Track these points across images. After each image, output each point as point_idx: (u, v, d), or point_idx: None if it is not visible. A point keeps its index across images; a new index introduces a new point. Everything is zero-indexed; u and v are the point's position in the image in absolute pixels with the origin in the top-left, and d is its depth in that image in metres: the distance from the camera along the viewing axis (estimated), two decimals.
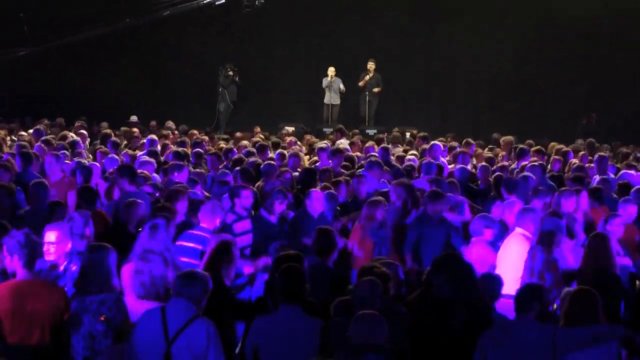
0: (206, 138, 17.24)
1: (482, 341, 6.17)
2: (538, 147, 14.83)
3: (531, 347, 6.06)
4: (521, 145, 14.86)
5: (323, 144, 15.23)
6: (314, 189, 9.99)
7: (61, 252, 7.11)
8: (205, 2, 23.33)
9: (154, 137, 15.73)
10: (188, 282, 5.96)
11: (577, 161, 14.08)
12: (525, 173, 11.48)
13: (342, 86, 21.93)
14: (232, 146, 15.35)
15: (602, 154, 14.18)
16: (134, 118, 21.01)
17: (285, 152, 14.12)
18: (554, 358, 6.03)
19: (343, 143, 16.32)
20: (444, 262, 6.76)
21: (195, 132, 18.53)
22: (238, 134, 18.89)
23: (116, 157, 12.85)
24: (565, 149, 15.58)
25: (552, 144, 17.24)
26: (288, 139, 17.39)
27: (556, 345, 6.06)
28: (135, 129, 18.15)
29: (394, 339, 5.94)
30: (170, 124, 19.61)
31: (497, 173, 12.03)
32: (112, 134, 16.50)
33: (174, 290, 6.03)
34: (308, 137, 18.35)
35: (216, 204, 8.94)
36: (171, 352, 5.80)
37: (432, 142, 14.58)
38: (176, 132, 18.98)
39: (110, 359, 6.04)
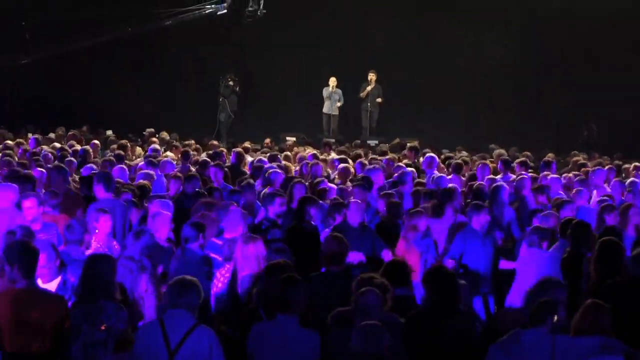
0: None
1: (492, 349, 6.20)
2: (523, 159, 14.85)
3: (536, 353, 6.06)
4: (505, 157, 14.92)
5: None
6: (353, 200, 9.93)
7: (52, 272, 7.11)
8: (206, 12, 23.37)
9: (157, 147, 15.72)
10: (184, 292, 5.97)
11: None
12: (498, 183, 11.45)
13: (338, 103, 21.93)
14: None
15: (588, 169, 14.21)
16: (150, 130, 21.03)
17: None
18: None
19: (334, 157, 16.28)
20: (432, 275, 6.85)
21: (215, 142, 18.54)
22: (247, 145, 18.85)
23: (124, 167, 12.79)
24: (582, 160, 15.60)
25: (550, 155, 17.32)
26: (297, 149, 17.37)
27: (557, 355, 6.05)
28: (154, 139, 18.20)
29: (391, 350, 5.94)
30: (165, 134, 19.59)
31: (478, 183, 12.09)
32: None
33: (169, 300, 6.02)
34: (296, 149, 18.23)
35: (238, 212, 8.93)
36: None
37: (428, 154, 14.53)
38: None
39: None
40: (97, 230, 8.44)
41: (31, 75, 23.35)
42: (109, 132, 19.88)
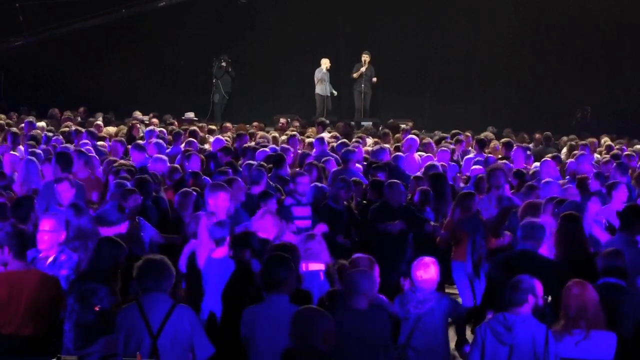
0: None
1: (480, 334, 6.16)
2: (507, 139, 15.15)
3: (529, 343, 6.06)
4: (480, 137, 15.20)
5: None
6: (394, 180, 10.10)
7: (54, 242, 7.11)
8: None
9: (154, 129, 15.67)
10: (161, 275, 5.98)
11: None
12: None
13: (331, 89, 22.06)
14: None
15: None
16: (189, 114, 21.05)
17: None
18: (545, 353, 6.03)
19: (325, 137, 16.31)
20: (245, 237, 7.15)
21: (229, 124, 18.64)
22: (255, 124, 18.92)
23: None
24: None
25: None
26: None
27: (550, 345, 6.05)
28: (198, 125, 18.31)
29: (379, 331, 5.99)
30: (138, 113, 19.56)
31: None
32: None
33: (144, 283, 6.00)
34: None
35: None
36: (157, 345, 5.84)
37: (410, 136, 14.54)
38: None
39: (104, 349, 6.07)
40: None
41: (25, 57, 23.32)
42: (138, 113, 19.82)
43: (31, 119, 16.80)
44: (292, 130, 17.01)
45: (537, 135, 17.48)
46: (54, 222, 7.13)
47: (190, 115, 21.14)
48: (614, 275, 6.81)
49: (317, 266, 7.42)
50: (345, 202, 10.08)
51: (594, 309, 6.28)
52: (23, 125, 16.04)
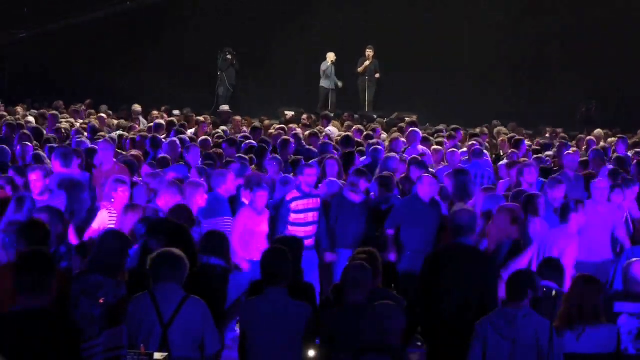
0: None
1: (481, 329, 6.13)
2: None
3: (532, 337, 6.05)
4: (471, 131, 15.44)
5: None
6: (426, 174, 9.99)
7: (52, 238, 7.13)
8: None
9: (162, 122, 15.58)
10: (176, 266, 6.00)
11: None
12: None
13: (338, 82, 22.05)
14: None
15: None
16: (224, 107, 21.04)
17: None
18: (550, 348, 6.03)
19: (332, 131, 16.26)
20: (159, 225, 7.27)
21: (238, 118, 18.59)
22: (265, 120, 18.92)
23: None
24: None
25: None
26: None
27: (555, 342, 6.06)
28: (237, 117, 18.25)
29: (373, 329, 5.93)
30: (137, 107, 19.51)
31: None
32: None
33: (158, 274, 6.01)
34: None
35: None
36: (167, 335, 5.86)
37: (412, 129, 14.43)
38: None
39: (108, 341, 6.08)
40: None
41: (30, 50, 23.34)
42: (137, 107, 19.79)
43: (55, 112, 16.79)
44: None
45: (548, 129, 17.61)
46: (47, 216, 7.12)
47: (225, 108, 21.16)
48: (550, 279, 6.93)
49: None
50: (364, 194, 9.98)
51: (594, 303, 6.29)
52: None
